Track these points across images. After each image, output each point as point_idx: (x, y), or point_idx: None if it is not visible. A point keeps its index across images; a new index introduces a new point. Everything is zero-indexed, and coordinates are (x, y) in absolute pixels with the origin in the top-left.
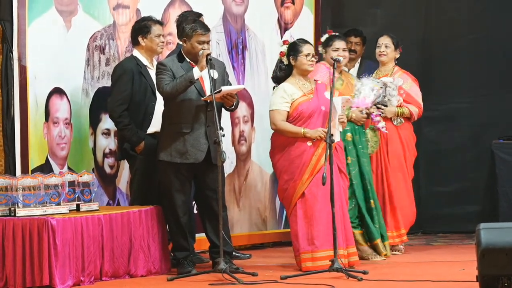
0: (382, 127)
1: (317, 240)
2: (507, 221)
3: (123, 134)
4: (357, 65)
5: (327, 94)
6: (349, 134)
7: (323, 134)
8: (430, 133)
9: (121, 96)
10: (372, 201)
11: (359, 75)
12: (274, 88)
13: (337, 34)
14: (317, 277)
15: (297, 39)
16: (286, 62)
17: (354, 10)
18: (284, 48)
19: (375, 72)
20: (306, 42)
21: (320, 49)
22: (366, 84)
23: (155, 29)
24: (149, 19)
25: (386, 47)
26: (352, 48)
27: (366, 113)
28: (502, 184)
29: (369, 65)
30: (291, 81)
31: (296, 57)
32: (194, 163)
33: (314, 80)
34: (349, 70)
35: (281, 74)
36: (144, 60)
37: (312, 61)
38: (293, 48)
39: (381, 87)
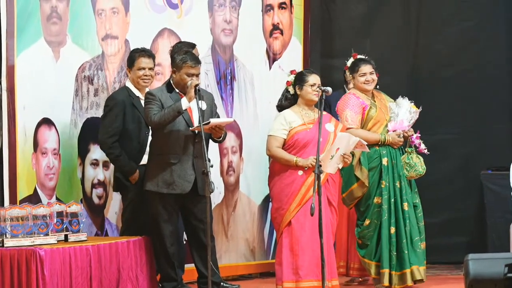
0: (424, 149)
1: (302, 270)
2: (495, 252)
3: (115, 165)
4: None
5: (328, 126)
6: (385, 159)
7: (314, 162)
8: None
9: (112, 127)
10: (392, 227)
11: None
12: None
13: (362, 57)
14: None
15: (305, 69)
16: (292, 92)
17: (343, 40)
18: (291, 78)
19: None
20: (312, 72)
21: (347, 74)
22: (402, 106)
23: (139, 61)
24: (137, 51)
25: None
26: None
27: (404, 136)
28: (490, 215)
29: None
30: (295, 109)
31: (301, 87)
32: (181, 194)
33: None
34: None
35: (286, 103)
36: (136, 91)
37: (317, 91)
38: (299, 78)
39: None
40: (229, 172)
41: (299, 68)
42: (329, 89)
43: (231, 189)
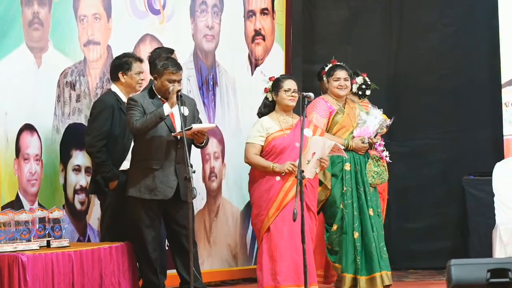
0: (386, 156)
1: (280, 275)
2: (477, 257)
3: (99, 169)
4: None
5: (306, 131)
6: (348, 164)
7: (291, 167)
8: (400, 169)
9: (101, 131)
10: (356, 232)
11: None
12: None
13: (339, 64)
14: None
15: (281, 75)
16: (270, 98)
17: (325, 46)
18: (270, 85)
19: None
20: (288, 77)
21: (324, 79)
22: (371, 114)
23: (136, 66)
24: (130, 55)
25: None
26: None
27: (369, 143)
28: (472, 220)
29: None
30: (272, 116)
31: (277, 92)
32: (163, 200)
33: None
34: None
35: (266, 110)
36: (122, 96)
37: (292, 96)
38: (275, 84)
39: (387, 118)
40: (212, 178)
41: (280, 74)
42: (311, 94)
43: (213, 194)
